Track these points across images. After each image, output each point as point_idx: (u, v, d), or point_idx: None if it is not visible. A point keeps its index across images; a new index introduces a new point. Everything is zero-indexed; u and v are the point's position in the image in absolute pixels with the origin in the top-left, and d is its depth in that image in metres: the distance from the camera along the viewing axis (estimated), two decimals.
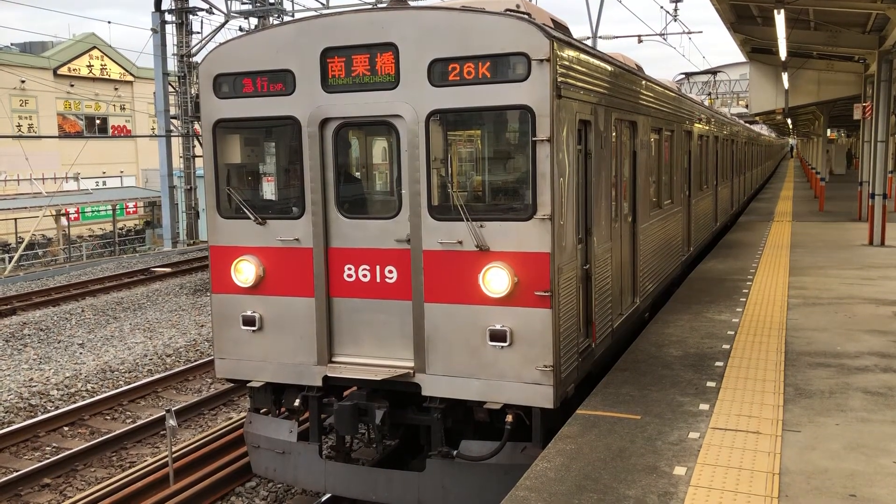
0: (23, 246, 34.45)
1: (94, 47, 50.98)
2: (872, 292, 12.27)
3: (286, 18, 29.79)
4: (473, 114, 6.65)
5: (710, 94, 49.27)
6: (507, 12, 6.74)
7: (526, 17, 6.68)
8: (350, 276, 7.03)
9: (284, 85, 7.04)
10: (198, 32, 32.23)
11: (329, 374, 7.11)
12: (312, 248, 7.09)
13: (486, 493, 6.66)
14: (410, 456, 8.31)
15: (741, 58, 31.71)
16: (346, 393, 7.50)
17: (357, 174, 7.83)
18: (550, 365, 6.37)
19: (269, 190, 7.76)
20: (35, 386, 12.86)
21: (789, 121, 51.74)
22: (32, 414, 11.65)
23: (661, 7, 32.41)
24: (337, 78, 6.86)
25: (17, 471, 9.46)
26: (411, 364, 6.83)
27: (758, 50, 26.68)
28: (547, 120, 6.24)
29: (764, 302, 11.49)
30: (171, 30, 31.95)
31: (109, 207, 41.72)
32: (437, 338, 6.71)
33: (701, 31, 35.14)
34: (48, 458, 9.83)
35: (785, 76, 26.35)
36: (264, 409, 7.73)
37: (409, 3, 7.22)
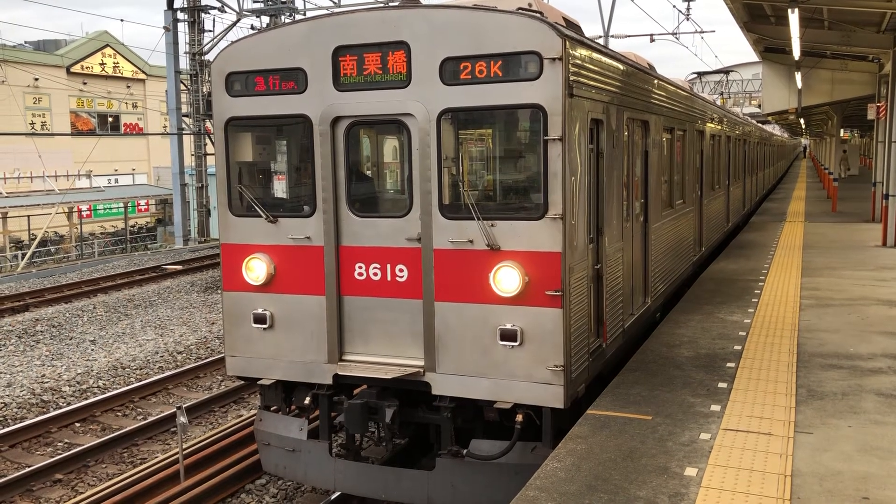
0: (35, 243, 34.67)
1: (107, 45, 51.25)
2: (886, 294, 12.18)
3: (298, 17, 29.85)
4: (485, 112, 6.63)
5: (722, 93, 49.06)
6: (520, 11, 6.72)
7: (538, 15, 6.66)
8: (361, 274, 7.03)
9: (296, 83, 7.05)
10: (210, 31, 32.34)
11: (339, 373, 7.12)
12: (323, 246, 7.10)
13: (495, 492, 6.65)
14: (420, 455, 8.31)
15: (754, 57, 31.57)
16: (356, 391, 7.50)
17: (368, 173, 7.83)
18: (561, 365, 6.35)
19: (280, 188, 7.77)
20: (47, 382, 12.93)
21: (802, 121, 51.46)
22: (44, 410, 11.71)
23: (674, 6, 32.34)
24: (349, 76, 6.86)
25: (29, 466, 9.52)
26: (421, 363, 6.82)
27: (771, 49, 26.54)
28: (559, 119, 6.22)
29: (776, 303, 11.43)
30: (183, 28, 32.08)
31: (121, 205, 41.92)
32: (448, 337, 6.70)
33: (713, 31, 35.07)
34: (60, 454, 9.89)
35: (798, 76, 26.19)
36: (275, 407, 7.75)
37: (421, 1, 7.21)
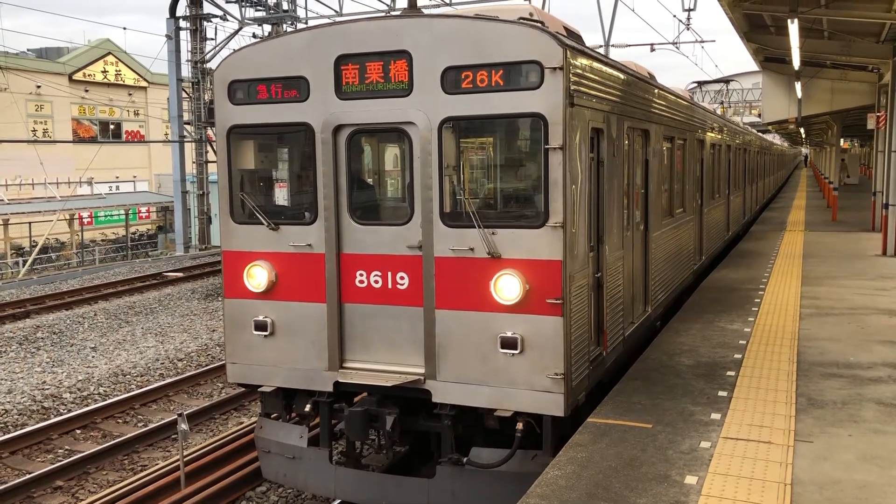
0: (36, 250, 34.70)
1: (109, 53, 51.34)
2: (886, 303, 12.19)
3: (300, 25, 29.96)
4: (486, 121, 6.67)
5: (722, 102, 49.18)
6: (521, 20, 6.76)
7: (539, 25, 6.71)
8: (362, 282, 7.05)
9: (298, 91, 7.09)
10: (212, 39, 32.42)
11: (340, 380, 7.13)
12: (325, 253, 7.12)
13: (495, 500, 6.65)
14: (421, 462, 8.31)
15: (754, 67, 31.64)
16: (356, 399, 7.52)
17: (369, 180, 7.86)
18: (561, 373, 6.37)
19: (281, 196, 7.80)
20: (48, 389, 12.94)
21: (802, 130, 51.53)
22: (45, 416, 11.72)
23: (675, 16, 32.32)
24: (350, 85, 6.89)
25: (29, 473, 9.52)
26: (422, 370, 6.84)
27: (771, 59, 26.61)
28: (559, 128, 6.25)
29: (776, 311, 11.44)
30: (185, 36, 32.16)
31: (122, 212, 41.98)
32: (448, 344, 6.71)
33: (714, 40, 35.21)
34: (61, 461, 9.88)
35: (798, 85, 26.24)
36: (275, 414, 7.76)
37: (423, 10, 7.25)
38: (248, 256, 7.43)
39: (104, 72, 51.22)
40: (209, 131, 31.51)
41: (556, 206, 6.32)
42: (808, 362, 8.76)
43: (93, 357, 15.06)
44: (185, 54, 32.23)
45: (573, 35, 8.15)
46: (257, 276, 7.36)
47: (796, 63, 20.32)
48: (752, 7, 18.05)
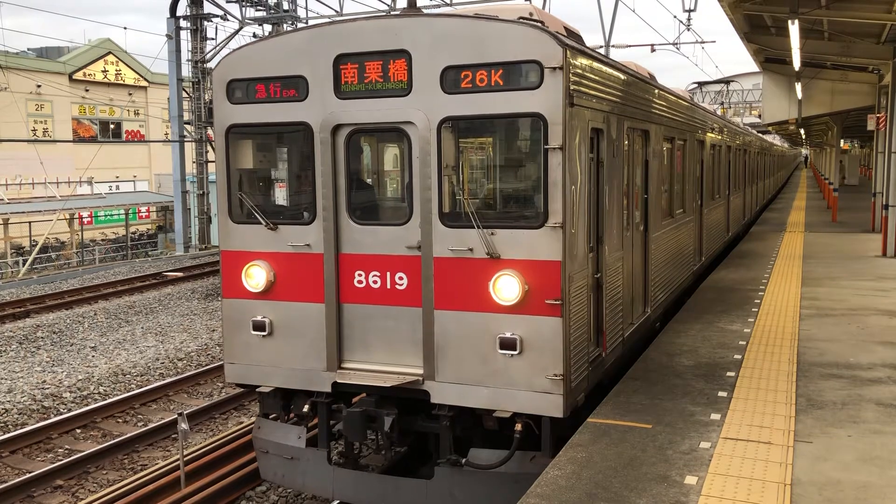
0: (36, 249, 34.70)
1: (110, 53, 51.36)
2: (886, 304, 12.19)
3: (300, 25, 29.95)
4: (485, 121, 6.65)
5: (722, 103, 49.17)
6: (521, 20, 6.76)
7: (539, 24, 6.70)
8: (360, 282, 7.04)
9: (297, 91, 7.08)
10: (212, 38, 32.44)
11: (338, 381, 7.12)
12: (323, 253, 7.11)
13: (494, 501, 6.65)
14: (419, 463, 8.30)
15: (754, 67, 31.63)
16: (355, 399, 7.51)
17: (368, 180, 7.85)
18: (560, 374, 6.36)
19: (280, 195, 7.79)
20: (48, 388, 12.93)
21: (802, 131, 51.52)
22: (45, 416, 11.71)
23: (675, 16, 32.30)
24: (350, 84, 6.88)
25: (30, 472, 9.52)
26: (421, 371, 6.83)
27: (771, 60, 26.60)
28: (559, 128, 6.24)
29: (776, 312, 11.44)
30: (185, 36, 32.19)
31: (122, 212, 41.97)
32: (447, 345, 6.70)
33: (714, 41, 35.17)
34: (61, 460, 9.88)
35: (798, 86, 26.24)
36: (273, 415, 7.75)
37: (423, 10, 7.24)
38: (247, 256, 7.42)
39: (104, 71, 51.24)
40: (209, 131, 31.53)
41: (556, 206, 6.31)
42: (807, 363, 8.75)
43: (93, 356, 15.05)
44: (185, 54, 32.26)
45: (573, 35, 8.14)
46: (256, 276, 7.35)
47: (797, 64, 20.32)
48: (752, 8, 18.04)
